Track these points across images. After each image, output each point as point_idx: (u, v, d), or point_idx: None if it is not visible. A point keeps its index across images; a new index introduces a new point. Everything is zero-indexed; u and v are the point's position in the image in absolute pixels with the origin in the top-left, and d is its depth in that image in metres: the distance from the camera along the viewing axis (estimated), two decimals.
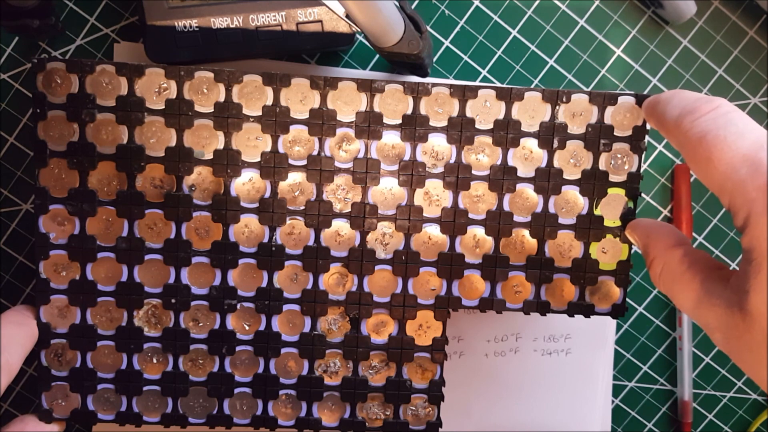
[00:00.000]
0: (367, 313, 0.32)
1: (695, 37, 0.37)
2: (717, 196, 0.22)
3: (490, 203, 0.32)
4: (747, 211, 0.20)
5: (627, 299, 0.33)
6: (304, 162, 0.31)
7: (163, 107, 0.30)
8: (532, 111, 0.31)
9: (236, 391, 0.32)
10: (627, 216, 0.32)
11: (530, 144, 0.31)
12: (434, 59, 0.36)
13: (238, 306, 0.31)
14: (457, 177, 0.31)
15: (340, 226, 0.31)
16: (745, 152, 0.21)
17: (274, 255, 0.31)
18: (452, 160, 0.31)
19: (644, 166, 0.37)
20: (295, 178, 0.31)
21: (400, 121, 0.31)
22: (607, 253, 0.32)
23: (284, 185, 0.31)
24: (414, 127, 0.31)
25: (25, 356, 0.30)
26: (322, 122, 0.30)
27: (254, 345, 0.32)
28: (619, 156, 0.31)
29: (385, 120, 0.31)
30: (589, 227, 0.32)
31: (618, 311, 0.32)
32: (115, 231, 0.31)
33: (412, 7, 0.36)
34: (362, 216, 0.31)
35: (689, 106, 0.24)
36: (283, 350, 0.32)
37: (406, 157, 0.31)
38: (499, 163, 0.31)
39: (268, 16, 0.32)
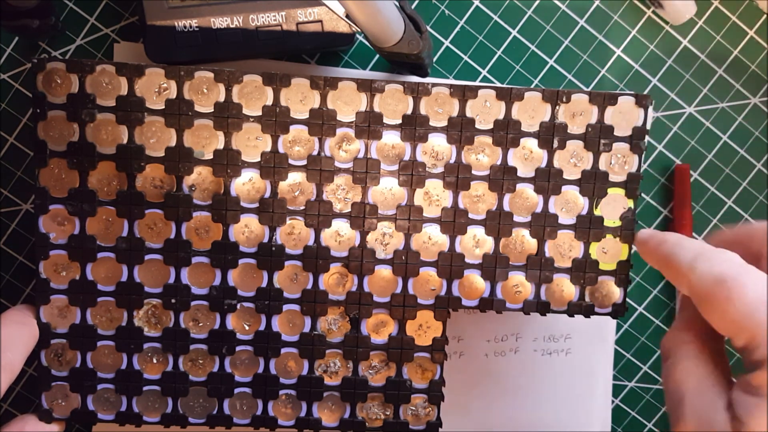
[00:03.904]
0: (367, 313, 0.32)
1: (695, 37, 0.37)
2: (730, 337, 0.23)
3: (490, 203, 0.32)
4: (764, 351, 0.22)
5: (627, 299, 0.33)
6: (304, 162, 0.31)
7: (163, 107, 0.30)
8: (532, 111, 0.31)
9: (236, 391, 0.32)
10: (627, 216, 0.32)
11: (530, 144, 0.31)
12: (434, 59, 0.36)
13: (238, 306, 0.31)
14: (457, 177, 0.31)
15: (340, 226, 0.31)
16: (764, 296, 0.23)
17: (274, 255, 0.31)
18: (452, 160, 0.31)
19: (644, 166, 0.37)
20: (295, 178, 0.31)
21: (400, 121, 0.31)
22: (607, 253, 0.32)
23: (284, 185, 0.31)
24: (414, 127, 0.31)
25: (26, 356, 0.30)
26: (322, 122, 0.30)
27: (254, 345, 0.32)
28: (619, 156, 0.31)
29: (385, 120, 0.31)
30: (589, 227, 0.32)
31: (618, 311, 0.32)
32: (115, 231, 0.31)
33: (412, 7, 0.36)
34: (362, 216, 0.31)
35: (702, 252, 0.26)
36: (283, 350, 0.32)
37: (406, 157, 0.31)
38: (499, 163, 0.31)
39: (268, 16, 0.32)
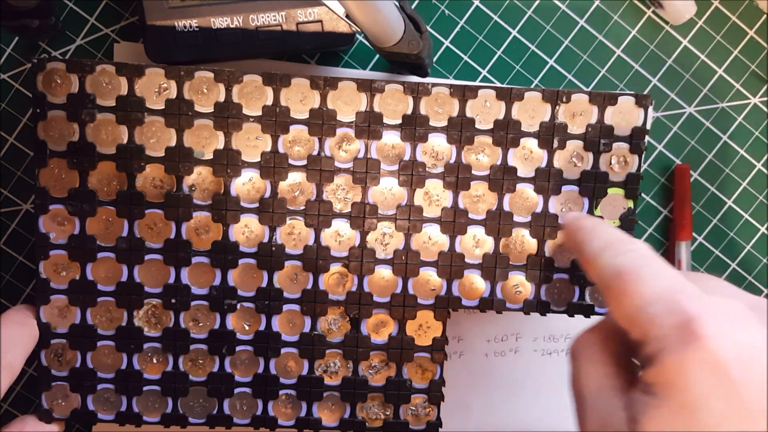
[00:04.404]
0: (367, 313, 0.32)
1: (695, 37, 0.37)
2: (626, 328, 0.23)
3: (490, 203, 0.32)
4: (658, 347, 0.21)
5: None
6: (304, 162, 0.31)
7: (163, 107, 0.30)
8: (532, 111, 0.31)
9: (236, 391, 0.32)
10: (627, 216, 0.32)
11: (530, 144, 0.31)
12: (434, 59, 0.36)
13: (238, 306, 0.31)
14: (457, 177, 0.31)
15: (340, 226, 0.31)
16: (660, 291, 0.22)
17: (274, 255, 0.31)
18: (452, 160, 0.31)
19: (644, 166, 0.37)
20: (295, 178, 0.31)
21: (400, 121, 0.31)
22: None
23: (284, 185, 0.31)
24: (414, 127, 0.31)
25: (26, 356, 0.30)
26: (322, 122, 0.30)
27: (254, 345, 0.32)
28: (619, 156, 0.31)
29: (385, 120, 0.31)
30: None
31: None
32: (115, 231, 0.31)
33: (412, 7, 0.36)
34: (362, 216, 0.31)
35: (610, 242, 0.25)
36: (283, 350, 0.32)
37: (406, 157, 0.31)
38: (499, 163, 0.31)
39: (268, 16, 0.32)
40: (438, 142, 0.31)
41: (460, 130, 0.31)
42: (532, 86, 0.36)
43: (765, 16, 0.37)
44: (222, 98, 0.30)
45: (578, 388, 0.25)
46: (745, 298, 0.22)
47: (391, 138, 0.31)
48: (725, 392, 0.19)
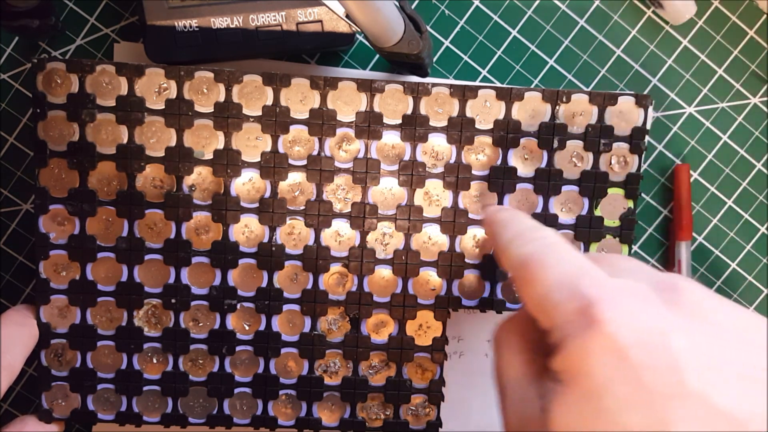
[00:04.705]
0: (367, 313, 0.32)
1: (695, 37, 0.37)
2: (535, 316, 0.22)
3: (490, 203, 0.31)
4: (562, 333, 0.21)
5: None
6: (304, 162, 0.31)
7: (163, 107, 0.30)
8: (532, 111, 0.31)
9: (236, 391, 0.32)
10: (627, 216, 0.32)
11: (530, 144, 0.31)
12: (434, 59, 0.36)
13: (238, 306, 0.31)
14: (457, 177, 0.31)
15: (340, 226, 0.31)
16: (563, 277, 0.21)
17: (274, 255, 0.31)
18: (452, 160, 0.31)
19: (644, 166, 0.37)
20: (295, 178, 0.31)
21: (400, 121, 0.31)
22: (607, 253, 0.32)
23: (284, 185, 0.31)
24: (414, 127, 0.31)
25: (26, 357, 0.30)
26: (322, 122, 0.30)
27: (254, 345, 0.32)
28: (619, 156, 0.31)
29: (385, 120, 0.31)
30: (589, 227, 0.32)
31: None
32: (115, 231, 0.31)
33: (412, 7, 0.36)
34: (362, 216, 0.31)
35: (520, 232, 0.25)
36: (283, 350, 0.32)
37: (406, 157, 0.31)
38: (499, 163, 0.31)
39: (268, 16, 0.32)
40: (438, 142, 0.31)
41: (460, 130, 0.31)
42: (532, 86, 0.36)
43: (765, 16, 0.37)
44: (222, 98, 0.30)
45: (498, 376, 0.24)
46: (652, 278, 0.22)
47: (391, 138, 0.31)
48: (627, 376, 0.19)
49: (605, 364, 0.19)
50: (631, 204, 0.32)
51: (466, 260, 0.32)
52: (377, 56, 0.36)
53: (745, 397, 0.19)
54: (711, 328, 0.20)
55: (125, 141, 0.30)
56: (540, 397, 0.22)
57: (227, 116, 0.30)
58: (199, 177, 0.31)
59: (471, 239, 0.32)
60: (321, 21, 0.32)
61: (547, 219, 0.31)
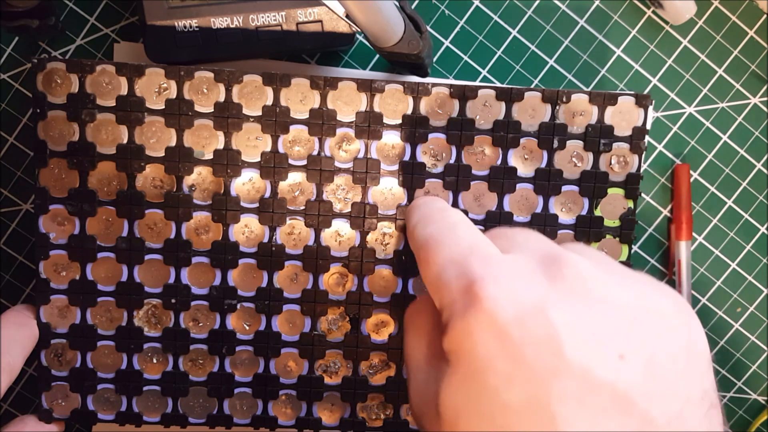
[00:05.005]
0: (367, 313, 0.32)
1: (695, 37, 0.37)
2: (432, 297, 0.22)
3: (490, 203, 0.32)
4: (449, 313, 0.20)
5: None
6: (304, 162, 0.31)
7: (163, 107, 0.30)
8: (532, 111, 0.31)
9: (236, 391, 0.32)
10: (627, 216, 0.32)
11: (530, 144, 0.31)
12: (434, 59, 0.36)
13: (238, 306, 0.31)
14: (457, 177, 0.31)
15: (340, 226, 0.31)
16: (454, 255, 0.21)
17: (274, 255, 0.31)
18: (452, 160, 0.31)
19: (644, 166, 0.37)
20: (295, 178, 0.31)
21: (400, 121, 0.31)
22: (607, 253, 0.32)
23: (284, 185, 0.31)
24: (414, 127, 0.31)
25: (26, 357, 0.30)
26: (322, 122, 0.30)
27: (254, 345, 0.32)
28: (619, 156, 0.31)
29: (385, 120, 0.31)
30: (589, 227, 0.32)
31: None
32: (115, 231, 0.31)
33: (412, 7, 0.36)
34: (362, 216, 0.31)
35: (426, 214, 0.25)
36: (283, 350, 0.32)
37: (406, 157, 0.31)
38: (499, 163, 0.31)
39: (268, 16, 0.32)
40: (438, 142, 0.31)
41: (460, 130, 0.31)
42: (532, 86, 0.36)
43: (765, 16, 0.37)
44: (222, 98, 0.30)
45: (405, 358, 0.24)
46: (541, 252, 0.21)
47: (391, 138, 0.31)
48: (507, 353, 0.18)
49: (486, 341, 0.19)
50: (631, 204, 0.32)
51: None
52: (377, 56, 0.36)
53: (627, 369, 0.18)
54: (592, 302, 0.19)
55: (125, 141, 0.30)
56: (436, 380, 0.21)
57: (227, 116, 0.30)
58: (199, 177, 0.31)
59: None
60: (321, 21, 0.32)
61: (547, 219, 0.31)
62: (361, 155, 0.31)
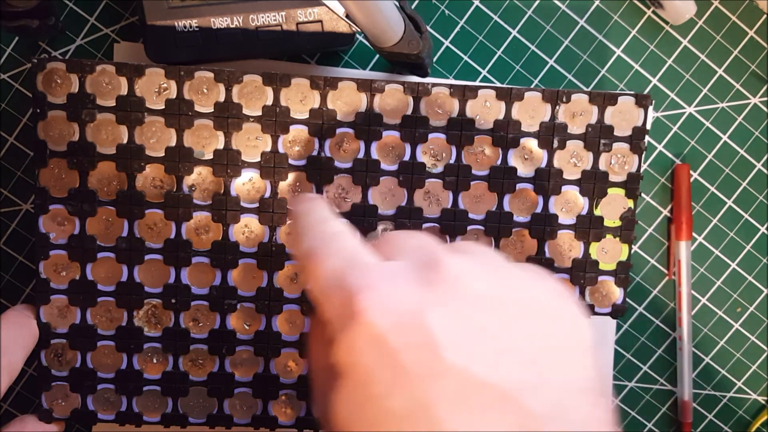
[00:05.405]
0: None
1: (695, 37, 0.37)
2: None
3: (490, 203, 0.32)
4: (333, 327, 0.20)
5: (627, 299, 0.33)
6: (304, 162, 0.31)
7: (163, 107, 0.30)
8: (532, 111, 0.31)
9: (236, 391, 0.32)
10: (627, 216, 0.32)
11: (530, 144, 0.31)
12: (434, 59, 0.36)
13: (238, 306, 0.31)
14: (457, 177, 0.31)
15: None
16: (336, 268, 0.21)
17: (274, 255, 0.31)
18: (452, 160, 0.31)
19: (644, 166, 0.37)
20: (296, 178, 0.31)
21: (400, 121, 0.31)
22: (607, 253, 0.32)
23: (284, 185, 0.31)
24: (414, 127, 0.31)
25: (26, 357, 0.30)
26: (322, 122, 0.30)
27: (254, 345, 0.32)
28: (619, 156, 0.31)
29: (385, 120, 0.31)
30: (589, 227, 0.32)
31: (618, 311, 0.32)
32: (115, 231, 0.31)
33: (412, 7, 0.36)
34: (362, 216, 0.31)
35: (309, 224, 0.24)
36: (283, 350, 0.32)
37: (406, 157, 0.31)
38: (499, 163, 0.31)
39: (268, 16, 0.32)
40: (438, 142, 0.31)
41: (460, 130, 0.31)
42: (532, 86, 0.36)
43: (765, 16, 0.37)
44: (222, 98, 0.30)
45: (308, 365, 0.24)
46: (419, 257, 0.21)
47: (391, 138, 0.31)
48: (387, 362, 0.19)
49: (367, 353, 0.19)
50: (631, 204, 0.32)
51: None
52: (377, 56, 0.36)
53: (505, 365, 0.19)
54: (469, 302, 0.20)
55: (125, 141, 0.30)
56: (330, 390, 0.21)
57: (227, 116, 0.30)
58: (199, 177, 0.31)
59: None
60: (321, 21, 0.32)
61: (547, 219, 0.31)
62: (361, 155, 0.31)
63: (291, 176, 0.31)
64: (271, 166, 0.31)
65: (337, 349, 0.20)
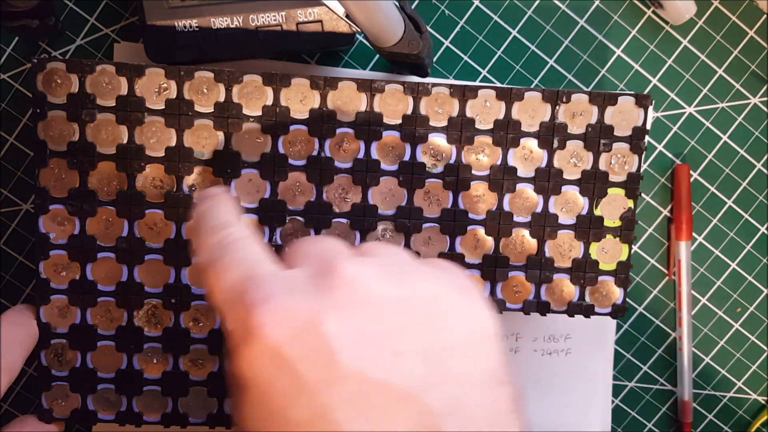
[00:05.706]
0: None
1: (695, 37, 0.37)
2: None
3: (490, 203, 0.32)
4: (232, 341, 0.20)
5: (627, 299, 0.33)
6: (304, 162, 0.31)
7: (163, 107, 0.30)
8: (532, 111, 0.31)
9: None
10: (627, 216, 0.32)
11: (530, 144, 0.31)
12: (434, 59, 0.36)
13: None
14: (457, 177, 0.31)
15: (340, 226, 0.31)
16: (235, 281, 0.21)
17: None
18: (452, 160, 0.31)
19: (644, 166, 0.37)
20: (295, 178, 0.31)
21: (400, 121, 0.31)
22: (607, 253, 0.32)
23: (284, 185, 0.31)
24: (414, 127, 0.31)
25: (26, 357, 0.30)
26: (322, 122, 0.30)
27: None
28: (619, 156, 0.31)
29: (385, 120, 0.31)
30: (589, 227, 0.32)
31: (618, 311, 0.32)
32: (115, 231, 0.31)
33: (412, 7, 0.36)
34: (362, 216, 0.31)
35: (210, 228, 0.24)
36: None
37: (406, 157, 0.31)
38: (499, 163, 0.31)
39: (268, 16, 0.32)
40: (438, 142, 0.31)
41: (460, 130, 0.31)
42: (532, 86, 0.36)
43: (765, 16, 0.37)
44: (222, 98, 0.30)
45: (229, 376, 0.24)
46: (322, 261, 0.21)
47: (391, 138, 0.31)
48: (286, 373, 0.19)
49: (265, 367, 0.19)
50: (631, 204, 0.32)
51: (467, 260, 0.32)
52: (377, 56, 0.36)
53: (402, 365, 0.19)
54: (365, 305, 0.20)
55: (125, 141, 0.30)
56: (236, 403, 0.21)
57: (227, 116, 0.30)
58: (199, 177, 0.31)
59: (471, 239, 0.32)
60: (321, 21, 0.32)
61: (547, 219, 0.31)
62: (361, 155, 0.31)
63: (296, 175, 0.31)
64: (271, 166, 0.31)
65: (239, 363, 0.20)
